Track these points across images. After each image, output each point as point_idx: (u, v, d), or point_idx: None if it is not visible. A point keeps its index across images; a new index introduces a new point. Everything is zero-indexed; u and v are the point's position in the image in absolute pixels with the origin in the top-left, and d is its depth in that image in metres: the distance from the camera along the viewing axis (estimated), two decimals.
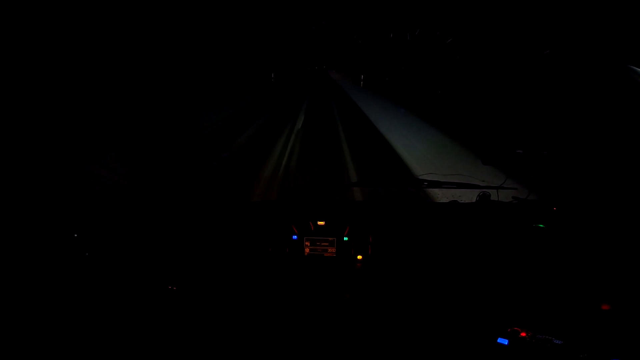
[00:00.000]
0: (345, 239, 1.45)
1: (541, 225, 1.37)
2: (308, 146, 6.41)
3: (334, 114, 10.33)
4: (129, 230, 1.51)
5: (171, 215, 1.55)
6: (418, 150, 5.89)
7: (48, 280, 1.35)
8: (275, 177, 4.31)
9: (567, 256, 1.25)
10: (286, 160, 5.25)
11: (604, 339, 1.00)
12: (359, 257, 1.44)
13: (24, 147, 1.95)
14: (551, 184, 1.65)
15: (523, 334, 1.02)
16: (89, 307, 1.29)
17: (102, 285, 1.37)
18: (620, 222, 1.33)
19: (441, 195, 2.07)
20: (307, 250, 1.48)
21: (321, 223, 1.47)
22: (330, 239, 1.46)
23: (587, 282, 1.18)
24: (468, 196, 1.69)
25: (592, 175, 1.63)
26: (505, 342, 1.02)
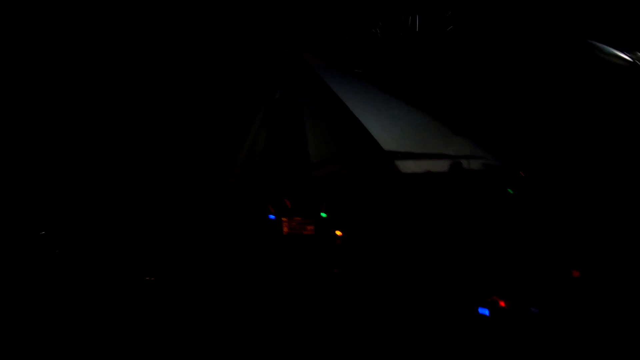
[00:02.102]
0: (324, 215, 1.43)
1: (510, 191, 1.42)
2: (280, 125, 6.28)
3: (303, 93, 10.15)
4: (99, 223, 1.41)
5: (146, 200, 1.46)
6: (391, 125, 5.94)
7: (16, 280, 1.26)
8: (249, 159, 4.20)
9: (536, 222, 1.29)
10: (255, 140, 5.12)
11: (578, 306, 1.01)
12: (338, 232, 1.43)
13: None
14: (519, 151, 1.72)
15: (502, 304, 1.02)
16: (62, 306, 1.20)
17: (76, 281, 1.28)
18: (586, 187, 1.40)
19: (415, 167, 2.10)
20: (285, 229, 1.45)
21: (297, 201, 1.44)
22: (308, 216, 1.44)
23: (557, 249, 1.20)
24: (441, 166, 1.73)
25: (557, 141, 1.70)
26: (487, 312, 1.02)
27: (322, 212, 1.43)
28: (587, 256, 1.16)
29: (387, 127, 5.73)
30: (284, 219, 1.44)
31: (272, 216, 1.44)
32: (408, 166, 2.26)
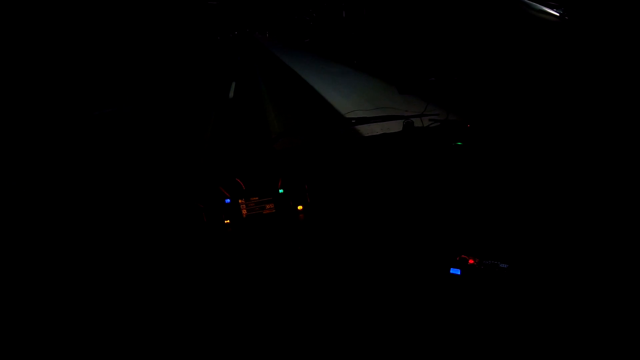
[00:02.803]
0: (281, 191, 1.36)
1: (459, 143, 1.46)
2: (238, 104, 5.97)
3: (259, 72, 9.68)
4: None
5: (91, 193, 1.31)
6: (343, 93, 5.90)
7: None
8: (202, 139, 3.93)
9: (486, 173, 1.32)
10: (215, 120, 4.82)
11: (543, 258, 0.99)
12: (299, 207, 1.38)
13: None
14: (465, 105, 1.77)
15: (471, 261, 1.00)
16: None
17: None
18: (532, 135, 1.47)
19: (370, 131, 2.09)
20: (244, 211, 1.36)
21: (251, 180, 1.35)
22: (265, 195, 1.36)
23: (510, 200, 1.21)
24: (395, 127, 1.73)
25: (499, 94, 1.77)
26: (458, 272, 1.00)
27: (279, 188, 1.36)
28: (536, 205, 1.16)
29: (345, 95, 5.68)
30: (240, 200, 1.35)
31: (227, 200, 1.34)
32: (366, 129, 2.25)
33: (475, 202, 1.26)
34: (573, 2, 1.38)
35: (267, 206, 1.37)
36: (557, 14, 1.42)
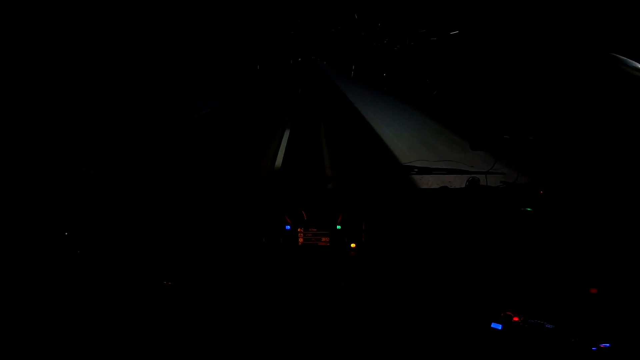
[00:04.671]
0: (339, 227, 1.45)
1: (529, 209, 1.40)
2: (299, 133, 6.36)
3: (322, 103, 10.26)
4: (120, 226, 1.47)
5: (162, 209, 1.52)
6: (407, 138, 5.92)
7: (40, 280, 1.32)
8: (266, 169, 4.26)
9: (555, 239, 1.28)
10: (276, 151, 5.20)
11: (594, 323, 1.02)
12: (353, 245, 1.45)
13: (10, 146, 1.89)
14: (538, 168, 1.69)
15: (516, 319, 1.04)
16: (83, 306, 1.26)
17: (96, 283, 1.34)
18: (607, 206, 1.37)
19: (431, 182, 2.09)
20: (300, 240, 1.47)
21: (314, 213, 1.47)
22: (323, 228, 1.46)
23: (576, 266, 1.20)
24: (457, 182, 1.71)
25: (578, 160, 1.66)
26: (499, 327, 1.03)
27: (338, 224, 1.45)
28: (606, 274, 1.14)
29: (404, 139, 5.71)
30: (299, 229, 1.47)
31: (288, 227, 1.47)
32: (425, 181, 2.25)
33: (533, 263, 1.23)
34: None
35: (323, 239, 1.47)
36: None
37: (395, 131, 6.51)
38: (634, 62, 1.44)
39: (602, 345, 0.95)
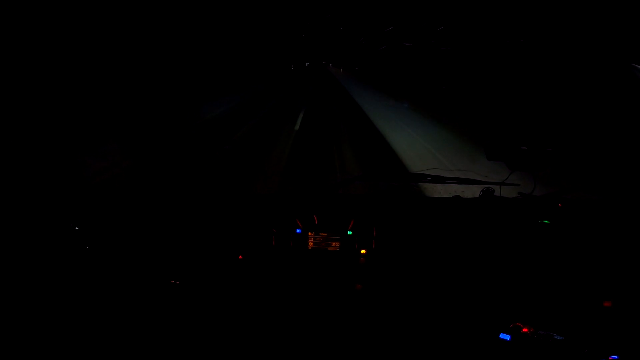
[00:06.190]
0: (350, 233, 1.45)
1: (546, 222, 1.37)
2: (309, 137, 6.39)
3: (332, 108, 10.29)
4: (131, 223, 1.50)
5: (173, 208, 1.55)
6: (420, 145, 5.87)
7: (49, 274, 1.34)
8: (277, 171, 4.29)
9: (571, 253, 1.25)
10: (288, 152, 5.23)
11: (605, 336, 1.01)
12: (363, 251, 1.44)
13: (22, 141, 1.93)
14: (555, 180, 1.65)
15: (525, 330, 1.03)
16: (91, 302, 1.28)
17: (104, 279, 1.36)
18: (624, 220, 1.33)
19: (444, 191, 2.06)
20: (310, 244, 1.48)
21: (325, 217, 1.47)
22: (334, 233, 1.46)
23: (590, 279, 1.18)
24: (471, 192, 1.69)
25: (596, 172, 1.62)
26: (508, 337, 1.03)
27: (349, 229, 1.45)
28: (620, 288, 1.13)
29: (414, 147, 5.67)
30: (310, 233, 1.47)
31: (298, 230, 1.48)
32: (435, 190, 2.22)
33: (545, 275, 1.23)
34: None
35: (333, 244, 1.46)
36: None
37: (407, 138, 6.48)
38: None
39: (612, 357, 0.93)
